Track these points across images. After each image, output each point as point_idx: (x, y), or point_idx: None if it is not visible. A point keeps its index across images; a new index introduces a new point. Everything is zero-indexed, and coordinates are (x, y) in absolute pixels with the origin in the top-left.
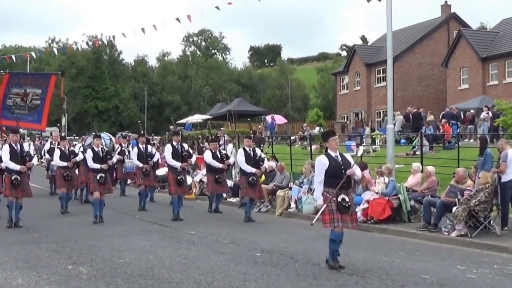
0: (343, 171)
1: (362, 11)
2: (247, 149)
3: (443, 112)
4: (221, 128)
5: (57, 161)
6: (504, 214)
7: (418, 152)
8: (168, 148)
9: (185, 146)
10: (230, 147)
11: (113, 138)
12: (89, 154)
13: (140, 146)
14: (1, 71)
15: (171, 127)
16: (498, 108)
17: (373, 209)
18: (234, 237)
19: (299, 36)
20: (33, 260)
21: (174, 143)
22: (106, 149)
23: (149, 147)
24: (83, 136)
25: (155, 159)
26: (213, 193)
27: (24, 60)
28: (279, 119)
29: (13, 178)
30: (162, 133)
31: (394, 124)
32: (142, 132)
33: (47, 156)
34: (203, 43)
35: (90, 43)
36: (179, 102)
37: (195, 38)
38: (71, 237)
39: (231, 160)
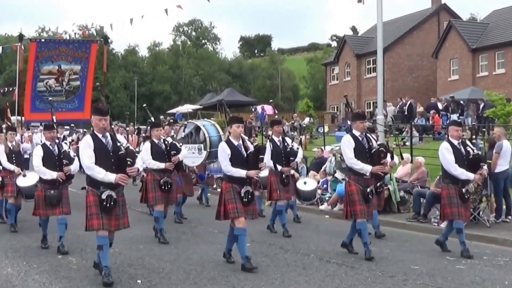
0: None
1: (352, 2)
2: (276, 139)
3: (428, 103)
4: (211, 118)
5: (149, 160)
6: (498, 205)
7: (408, 143)
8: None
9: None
10: None
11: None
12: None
13: (275, 139)
14: (26, 37)
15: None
16: (488, 99)
17: None
18: (224, 228)
19: (290, 26)
20: (22, 249)
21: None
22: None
23: (288, 140)
24: (177, 125)
25: (298, 159)
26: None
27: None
28: (269, 110)
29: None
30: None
31: (386, 115)
32: (276, 117)
33: None
34: (193, 33)
35: (80, 32)
36: (169, 92)
37: (186, 28)
38: None
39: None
